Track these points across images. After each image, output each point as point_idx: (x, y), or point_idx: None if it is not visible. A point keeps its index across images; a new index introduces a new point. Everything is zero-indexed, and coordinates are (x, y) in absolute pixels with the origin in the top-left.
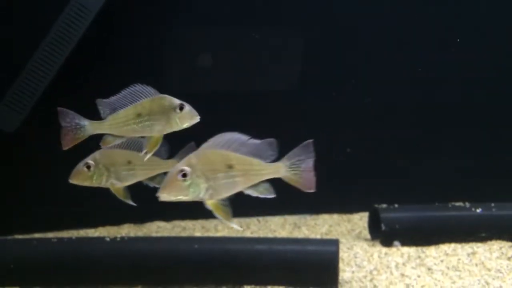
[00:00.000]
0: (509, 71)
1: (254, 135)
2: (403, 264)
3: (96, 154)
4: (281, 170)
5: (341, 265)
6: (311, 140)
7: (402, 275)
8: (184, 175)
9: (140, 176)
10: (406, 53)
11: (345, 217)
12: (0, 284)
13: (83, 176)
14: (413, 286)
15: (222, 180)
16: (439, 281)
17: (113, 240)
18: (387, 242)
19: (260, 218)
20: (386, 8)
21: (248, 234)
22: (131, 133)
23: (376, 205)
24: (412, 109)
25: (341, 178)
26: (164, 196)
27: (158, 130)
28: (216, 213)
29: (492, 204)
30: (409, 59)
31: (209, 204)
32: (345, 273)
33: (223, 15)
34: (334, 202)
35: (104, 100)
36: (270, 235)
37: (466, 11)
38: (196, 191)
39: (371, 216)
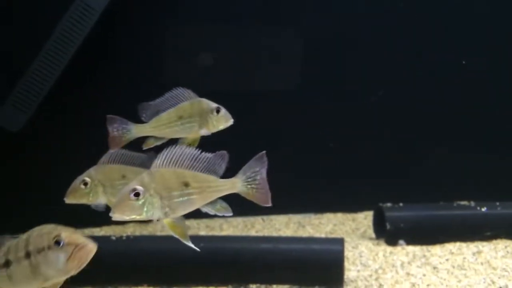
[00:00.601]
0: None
1: (254, 136)
2: (409, 263)
3: (91, 171)
4: (237, 185)
5: (346, 264)
6: (264, 152)
7: (408, 274)
8: (137, 194)
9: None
10: (407, 53)
11: (349, 216)
12: None
13: (80, 193)
14: (418, 285)
15: (178, 198)
16: (444, 279)
17: (119, 239)
18: (392, 241)
19: (265, 217)
20: (386, 8)
21: (253, 233)
22: (172, 135)
23: (380, 204)
24: (418, 108)
25: (346, 177)
26: (117, 216)
27: (196, 131)
28: (172, 232)
29: (497, 203)
30: (411, 59)
31: (165, 222)
32: (351, 272)
33: (224, 14)
34: (338, 201)
35: (147, 103)
36: (274, 234)
37: (466, 11)
38: (150, 210)
39: (376, 215)
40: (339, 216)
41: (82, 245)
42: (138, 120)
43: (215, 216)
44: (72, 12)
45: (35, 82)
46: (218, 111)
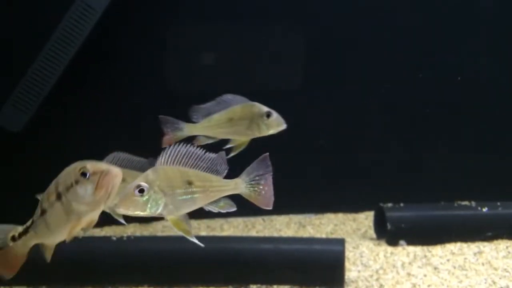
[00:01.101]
0: None
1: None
2: (409, 263)
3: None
4: (240, 186)
5: (347, 265)
6: (267, 154)
7: (409, 274)
8: (141, 191)
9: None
10: (407, 53)
11: (350, 216)
12: (7, 283)
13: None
14: (419, 285)
15: (181, 196)
16: (445, 280)
17: (120, 239)
18: (393, 241)
19: (265, 217)
20: (386, 8)
21: (253, 233)
22: (222, 135)
23: (381, 204)
24: (418, 108)
25: (346, 177)
26: (121, 211)
27: (247, 134)
28: (176, 229)
29: (498, 203)
30: (411, 59)
31: (169, 220)
32: (351, 272)
33: (224, 14)
34: (339, 201)
35: (199, 106)
36: (275, 234)
37: (466, 11)
38: (154, 207)
39: (377, 215)
40: (340, 216)
41: (106, 171)
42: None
43: (218, 213)
44: (73, 12)
45: (36, 83)
46: (268, 115)
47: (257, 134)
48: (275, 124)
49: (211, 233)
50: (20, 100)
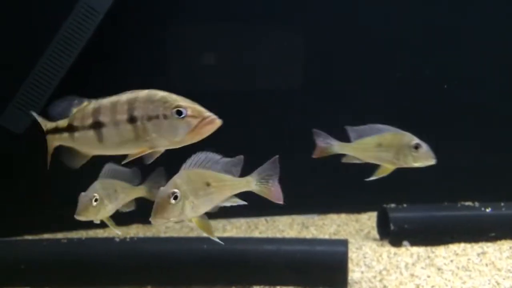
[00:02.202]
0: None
1: (257, 136)
2: (413, 264)
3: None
4: (251, 184)
5: (350, 266)
6: (277, 156)
7: (412, 275)
8: (175, 198)
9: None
10: (407, 53)
11: (353, 217)
12: (10, 284)
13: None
14: (423, 286)
15: (202, 197)
16: (449, 281)
17: (123, 240)
18: (396, 242)
19: (268, 218)
20: (387, 8)
21: (256, 234)
22: (368, 159)
23: (384, 205)
24: (420, 108)
25: (349, 177)
26: (158, 221)
27: (393, 162)
28: (201, 229)
29: (502, 204)
30: (411, 59)
31: (194, 221)
32: (355, 273)
33: (225, 14)
34: (342, 201)
35: (353, 127)
36: (278, 235)
37: (465, 11)
38: (184, 211)
39: (380, 216)
40: (343, 217)
41: (209, 118)
42: None
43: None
44: (75, 14)
45: (39, 84)
46: (417, 147)
47: (403, 164)
48: (423, 158)
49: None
50: (23, 102)
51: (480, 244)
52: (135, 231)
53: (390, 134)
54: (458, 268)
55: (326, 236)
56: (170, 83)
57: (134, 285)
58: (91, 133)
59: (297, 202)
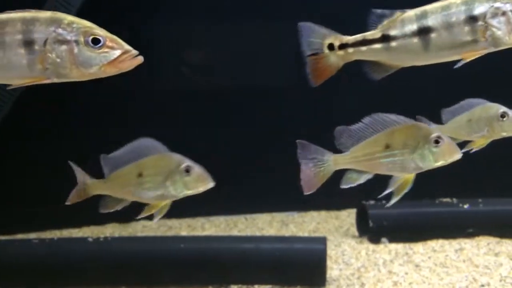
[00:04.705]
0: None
1: (236, 134)
2: (391, 261)
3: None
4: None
5: (328, 263)
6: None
7: (390, 272)
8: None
9: None
10: None
11: (333, 214)
12: None
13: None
14: (400, 283)
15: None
16: (427, 278)
17: (96, 240)
18: (375, 239)
19: (248, 216)
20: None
21: (235, 232)
22: (463, 137)
23: (363, 202)
24: (396, 106)
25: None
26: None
27: (485, 136)
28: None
29: (479, 200)
30: None
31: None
32: (333, 270)
33: (218, 11)
34: (322, 199)
35: (447, 109)
36: (257, 233)
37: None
38: None
39: (359, 213)
40: (323, 214)
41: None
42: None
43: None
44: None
45: None
46: (503, 116)
47: (494, 136)
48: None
49: (192, 233)
50: None
51: (458, 240)
52: (111, 230)
53: (478, 108)
54: (435, 264)
55: (306, 234)
56: (159, 82)
57: (109, 285)
58: (414, 40)
59: (277, 199)
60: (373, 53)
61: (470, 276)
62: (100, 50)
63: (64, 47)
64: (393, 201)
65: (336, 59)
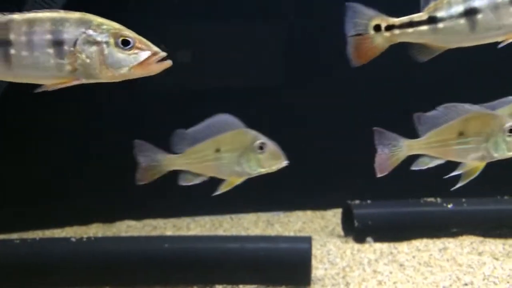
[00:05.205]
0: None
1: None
2: (376, 260)
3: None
4: None
5: (314, 263)
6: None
7: (375, 271)
8: None
9: None
10: (397, 50)
11: (318, 213)
12: None
13: None
14: (385, 282)
15: None
16: (411, 277)
17: (79, 240)
18: (360, 238)
19: (233, 216)
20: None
21: (220, 232)
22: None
23: (349, 201)
24: (383, 106)
25: (315, 174)
26: None
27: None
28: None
29: (463, 200)
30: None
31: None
32: (318, 270)
33: (210, 11)
34: (307, 198)
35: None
36: (243, 233)
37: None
38: None
39: (344, 213)
40: (309, 213)
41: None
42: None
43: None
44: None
45: None
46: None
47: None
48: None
49: (177, 232)
50: None
51: (442, 240)
52: (95, 230)
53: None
54: (420, 264)
55: (291, 233)
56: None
57: (92, 286)
58: (461, 22)
59: (262, 199)
60: (419, 35)
61: (453, 275)
62: (130, 52)
63: (94, 48)
64: (458, 185)
65: (382, 41)
